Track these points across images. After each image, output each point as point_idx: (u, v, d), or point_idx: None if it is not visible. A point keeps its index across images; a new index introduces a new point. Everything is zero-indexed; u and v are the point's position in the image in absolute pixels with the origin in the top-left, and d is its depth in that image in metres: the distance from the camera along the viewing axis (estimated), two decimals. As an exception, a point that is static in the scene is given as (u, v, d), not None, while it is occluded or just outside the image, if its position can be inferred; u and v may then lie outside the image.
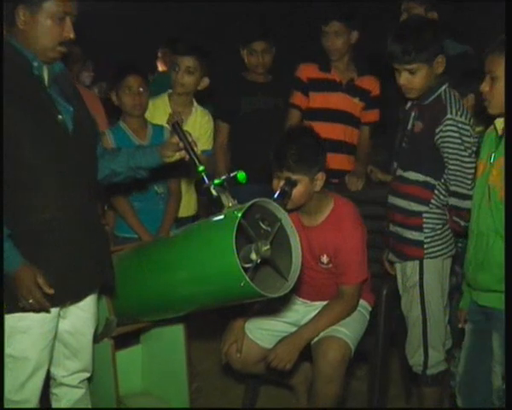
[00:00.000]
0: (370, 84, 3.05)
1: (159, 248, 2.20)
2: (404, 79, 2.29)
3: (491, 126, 2.06)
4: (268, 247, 1.87)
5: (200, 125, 2.90)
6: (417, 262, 2.35)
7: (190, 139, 2.01)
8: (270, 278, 1.99)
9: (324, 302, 2.39)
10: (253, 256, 1.86)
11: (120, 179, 2.11)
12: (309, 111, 3.05)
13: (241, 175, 1.95)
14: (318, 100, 3.02)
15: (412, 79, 2.28)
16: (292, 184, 2.20)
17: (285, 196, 2.18)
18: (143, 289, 2.16)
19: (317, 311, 2.38)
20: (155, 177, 2.42)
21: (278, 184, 2.23)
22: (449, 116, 2.23)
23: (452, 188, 2.27)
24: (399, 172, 2.41)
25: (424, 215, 2.34)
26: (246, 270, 1.82)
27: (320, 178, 2.27)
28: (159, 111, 2.90)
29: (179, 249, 2.05)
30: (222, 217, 1.91)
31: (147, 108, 2.81)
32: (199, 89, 2.92)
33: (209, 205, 3.10)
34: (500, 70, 1.89)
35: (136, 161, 2.07)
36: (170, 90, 2.95)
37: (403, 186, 2.37)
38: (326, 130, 2.78)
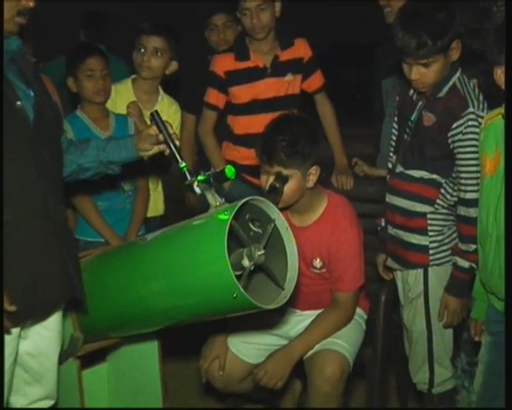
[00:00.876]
0: (299, 50, 2.91)
1: (132, 253, 2.08)
2: (416, 73, 2.14)
3: (490, 115, 2.00)
4: (262, 251, 1.79)
5: (167, 116, 2.79)
6: (421, 270, 2.27)
7: (171, 131, 1.93)
8: (263, 287, 1.90)
9: (316, 312, 2.33)
10: (246, 263, 1.78)
11: (89, 176, 2.03)
12: (235, 108, 2.92)
13: (229, 170, 1.85)
14: (243, 94, 2.88)
15: (426, 72, 2.14)
16: (283, 179, 2.12)
17: (276, 193, 2.09)
18: (114, 303, 2.06)
19: (308, 321, 2.32)
20: (121, 173, 2.29)
21: (267, 181, 2.15)
22: (471, 110, 2.12)
23: (468, 195, 2.14)
24: (400, 168, 2.31)
25: (429, 216, 2.25)
26: (238, 278, 1.73)
27: (314, 172, 2.19)
28: (121, 98, 2.81)
29: (158, 256, 1.94)
30: (209, 218, 1.82)
31: (110, 95, 2.72)
32: (167, 73, 2.85)
33: (177, 205, 3.09)
34: None
35: (107, 155, 1.97)
36: (134, 76, 2.87)
37: (405, 184, 2.28)
38: (260, 123, 2.67)
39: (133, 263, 2.01)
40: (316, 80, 2.98)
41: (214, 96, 2.91)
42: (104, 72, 2.64)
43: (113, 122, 2.69)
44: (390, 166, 2.39)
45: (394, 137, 2.40)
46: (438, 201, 2.24)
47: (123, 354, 2.42)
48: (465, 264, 2.18)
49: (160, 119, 1.92)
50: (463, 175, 2.16)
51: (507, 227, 1.82)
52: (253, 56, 2.87)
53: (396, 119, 2.41)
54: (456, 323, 2.27)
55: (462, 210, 2.18)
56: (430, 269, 2.26)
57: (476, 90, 2.19)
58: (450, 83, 2.19)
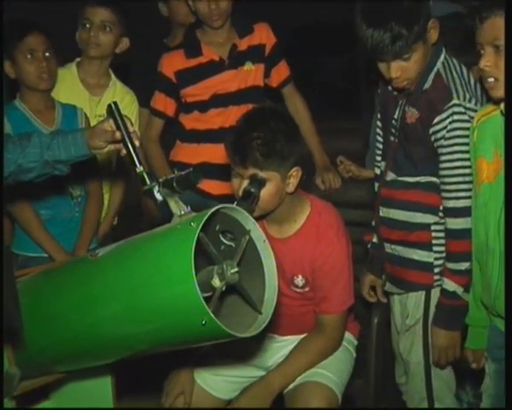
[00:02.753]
0: (259, 37, 2.92)
1: (81, 272, 2.02)
2: (396, 70, 2.10)
3: (485, 110, 1.98)
4: (235, 269, 1.75)
5: (121, 103, 2.78)
6: (422, 293, 2.25)
7: (132, 129, 1.90)
8: (236, 311, 1.86)
9: (299, 337, 2.33)
10: (217, 282, 1.73)
11: (32, 178, 2.00)
12: (194, 105, 2.92)
13: (194, 174, 1.81)
14: (198, 93, 2.89)
15: (407, 66, 2.10)
16: (259, 183, 2.09)
17: (251, 199, 2.06)
18: (59, 331, 2.01)
19: (289, 348, 2.32)
20: (69, 175, 2.27)
21: (240, 185, 2.12)
22: (455, 101, 2.08)
23: (455, 203, 2.11)
24: (391, 175, 2.28)
25: (433, 228, 2.21)
26: (207, 301, 1.68)
27: (294, 174, 2.17)
28: (64, 85, 2.80)
29: (111, 274, 1.89)
30: (172, 230, 1.78)
31: (56, 81, 2.69)
32: (118, 52, 2.85)
33: (133, 214, 3.08)
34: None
35: (53, 153, 1.93)
36: (78, 59, 2.87)
37: (400, 193, 2.25)
38: (221, 119, 2.75)
39: (82, 283, 1.96)
40: (281, 71, 2.98)
41: (162, 102, 2.92)
42: (48, 52, 2.59)
43: (59, 114, 2.66)
44: (378, 172, 2.37)
45: (381, 139, 2.39)
46: (442, 207, 2.19)
47: (70, 392, 2.36)
48: (452, 287, 2.13)
49: (119, 112, 1.89)
50: (448, 179, 2.12)
51: (507, 228, 1.82)
52: (206, 50, 2.87)
53: (379, 117, 2.40)
54: (446, 361, 2.23)
55: (449, 222, 2.14)
56: (433, 291, 2.23)
57: (469, 77, 2.15)
58: (435, 69, 2.15)
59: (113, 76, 2.89)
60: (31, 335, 2.00)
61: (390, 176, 2.29)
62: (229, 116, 2.84)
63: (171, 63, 2.89)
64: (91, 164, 2.44)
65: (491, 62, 1.85)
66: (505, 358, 1.80)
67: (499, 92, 1.86)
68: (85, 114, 2.72)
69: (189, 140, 2.96)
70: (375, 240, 2.42)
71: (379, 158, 2.38)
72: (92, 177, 2.68)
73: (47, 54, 2.59)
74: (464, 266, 2.10)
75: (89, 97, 2.83)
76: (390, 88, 2.26)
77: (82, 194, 2.70)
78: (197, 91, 2.88)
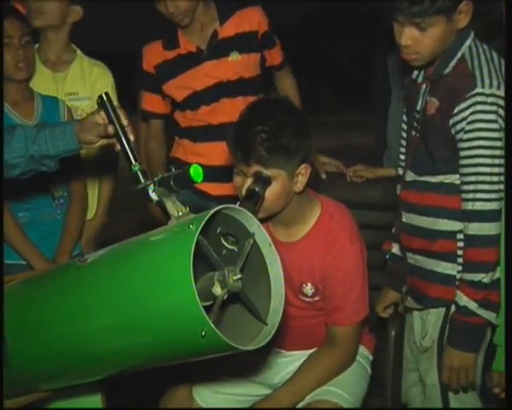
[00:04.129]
0: (250, 22, 2.90)
1: (68, 280, 2.03)
2: (408, 37, 2.10)
3: None
4: (238, 275, 1.75)
5: (90, 77, 2.86)
6: (443, 309, 2.23)
7: (125, 122, 1.90)
8: (239, 321, 1.87)
9: (308, 352, 2.34)
10: (218, 290, 1.73)
11: (16, 174, 2.00)
12: (178, 105, 2.95)
13: (195, 170, 1.83)
14: (176, 90, 2.91)
15: (421, 38, 2.10)
16: (264, 182, 2.10)
17: (255, 199, 2.06)
18: (43, 345, 2.01)
19: (297, 364, 2.32)
20: (50, 173, 2.29)
21: (243, 184, 2.13)
22: (479, 90, 2.06)
23: (467, 205, 2.09)
24: (411, 175, 2.28)
25: (459, 237, 2.18)
26: (207, 311, 1.68)
27: (303, 172, 2.18)
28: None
29: (102, 282, 1.89)
30: (169, 233, 1.79)
31: (35, 71, 2.73)
32: (70, 22, 2.87)
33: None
34: None
35: (40, 148, 1.94)
36: (37, 45, 2.90)
37: (421, 196, 2.24)
38: (208, 115, 2.77)
39: (70, 291, 1.96)
40: (274, 56, 3.00)
41: (148, 101, 2.96)
42: (25, 38, 2.60)
43: (38, 107, 2.68)
44: (401, 172, 2.36)
45: (404, 135, 2.38)
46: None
47: (57, 411, 2.36)
48: (464, 301, 2.11)
49: (111, 103, 1.89)
50: (466, 179, 2.10)
51: (507, 230, 1.84)
52: (184, 41, 2.89)
53: (405, 110, 2.40)
54: (457, 384, 2.20)
55: (465, 227, 2.12)
56: (453, 307, 2.18)
57: (500, 64, 2.13)
58: (459, 55, 2.14)
59: (78, 51, 2.92)
60: (13, 350, 2.00)
61: (409, 176, 2.28)
62: (225, 111, 2.86)
63: (150, 56, 2.93)
64: (75, 160, 2.44)
65: None
66: (505, 358, 1.82)
67: None
68: (68, 107, 2.74)
69: (186, 137, 3.00)
70: (394, 250, 2.42)
71: (402, 157, 2.38)
72: (75, 175, 2.69)
73: (24, 41, 2.59)
74: (479, 277, 2.08)
75: (53, 76, 2.86)
76: (414, 73, 2.26)
77: (64, 194, 2.71)
78: (173, 88, 2.90)
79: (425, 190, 2.24)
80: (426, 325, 2.28)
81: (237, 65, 2.89)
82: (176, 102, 2.96)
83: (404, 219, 2.32)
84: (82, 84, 2.88)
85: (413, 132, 2.28)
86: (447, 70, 2.15)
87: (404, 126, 2.38)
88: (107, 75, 2.95)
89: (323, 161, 2.96)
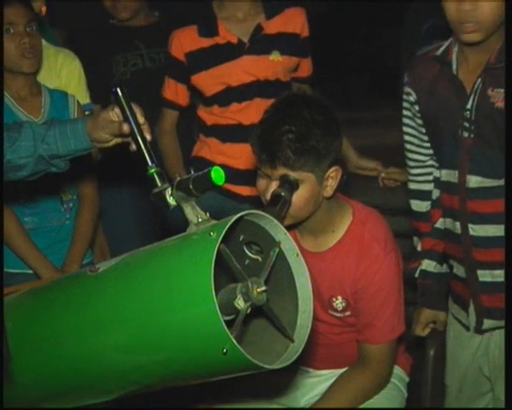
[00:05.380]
0: (295, 24, 2.91)
1: (77, 291, 2.04)
2: (469, 1, 2.09)
3: None
4: (263, 288, 1.75)
5: (56, 65, 2.88)
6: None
7: (142, 120, 1.90)
8: (264, 338, 1.88)
9: (338, 371, 2.35)
10: (240, 304, 1.74)
11: (23, 176, 2.00)
12: (206, 100, 2.96)
13: (216, 173, 1.82)
14: (208, 83, 2.91)
15: (482, 3, 2.09)
16: (291, 186, 2.10)
17: (281, 205, 2.07)
18: (50, 361, 2.02)
19: (326, 384, 2.34)
20: (57, 174, 2.30)
21: (268, 188, 2.15)
22: None
23: None
24: (476, 180, 2.25)
25: None
26: (229, 326, 1.69)
27: (333, 175, 2.19)
28: None
29: (114, 294, 1.90)
30: (188, 241, 1.79)
31: (41, 63, 2.72)
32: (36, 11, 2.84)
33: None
34: None
35: (50, 147, 1.94)
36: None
37: (492, 203, 2.23)
38: (239, 114, 2.78)
39: (80, 303, 1.97)
40: (304, 67, 3.02)
41: (172, 90, 2.95)
42: (30, 26, 2.59)
43: (46, 102, 2.69)
44: (449, 178, 2.33)
45: (426, 140, 2.39)
46: None
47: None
48: None
49: (126, 100, 1.89)
50: None
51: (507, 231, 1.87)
52: (223, 29, 2.88)
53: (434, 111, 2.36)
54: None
55: None
56: None
57: None
58: None
59: (43, 41, 2.85)
60: (17, 365, 2.03)
61: (474, 181, 2.27)
62: (257, 111, 2.85)
63: (182, 42, 2.92)
64: (85, 161, 2.45)
65: None
66: (505, 358, 1.84)
67: None
68: (78, 102, 2.75)
69: (213, 136, 3.00)
70: (424, 267, 2.43)
71: (436, 164, 2.39)
72: (86, 177, 2.71)
73: (29, 28, 2.58)
74: None
75: None
76: (453, 67, 2.24)
77: (74, 197, 2.73)
78: (209, 79, 2.90)
79: (495, 195, 2.22)
80: (488, 349, 2.30)
81: (277, 65, 2.90)
82: (203, 96, 2.96)
83: (472, 233, 2.30)
84: (48, 74, 2.86)
85: (465, 134, 2.27)
86: None
87: (442, 128, 2.35)
88: (73, 61, 2.93)
89: (361, 164, 2.96)
